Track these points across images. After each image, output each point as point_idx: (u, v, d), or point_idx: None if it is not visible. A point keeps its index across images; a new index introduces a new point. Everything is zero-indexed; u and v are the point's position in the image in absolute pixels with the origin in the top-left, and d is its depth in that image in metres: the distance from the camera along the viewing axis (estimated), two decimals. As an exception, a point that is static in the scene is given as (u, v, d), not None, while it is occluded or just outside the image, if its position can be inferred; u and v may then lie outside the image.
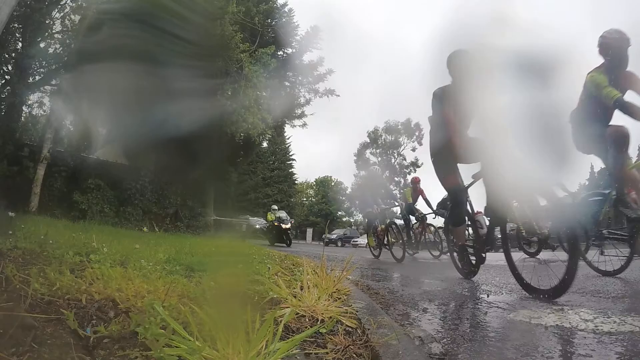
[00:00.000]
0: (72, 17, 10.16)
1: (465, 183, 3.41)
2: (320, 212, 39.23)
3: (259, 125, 12.18)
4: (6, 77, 10.22)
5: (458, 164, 3.42)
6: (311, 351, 1.16)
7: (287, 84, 15.54)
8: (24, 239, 2.28)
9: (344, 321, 1.49)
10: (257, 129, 12.17)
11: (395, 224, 7.53)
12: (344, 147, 58.71)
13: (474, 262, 3.43)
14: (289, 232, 13.34)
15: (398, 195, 11.29)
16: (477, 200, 3.49)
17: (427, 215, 8.61)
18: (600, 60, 3.49)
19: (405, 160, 38.34)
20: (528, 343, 1.44)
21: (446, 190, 3.52)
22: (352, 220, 40.07)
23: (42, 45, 10.12)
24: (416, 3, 59.48)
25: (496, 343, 1.46)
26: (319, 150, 63.74)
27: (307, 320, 1.50)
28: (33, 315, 1.06)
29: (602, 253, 3.69)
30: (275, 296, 1.70)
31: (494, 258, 6.42)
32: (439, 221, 8.50)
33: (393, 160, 38.58)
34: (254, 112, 11.86)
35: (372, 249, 7.85)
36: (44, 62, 10.43)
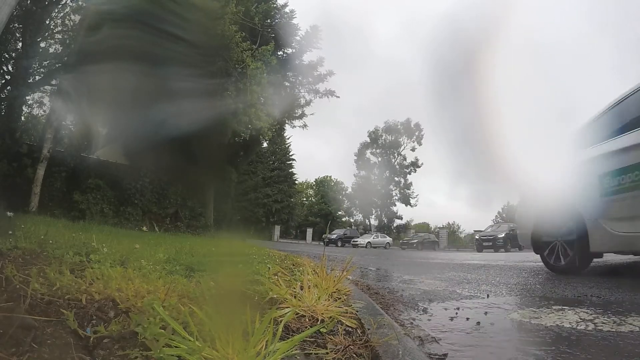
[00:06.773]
0: (72, 17, 10.17)
1: None
2: (320, 212, 39.23)
3: (267, 120, 12.20)
4: (6, 77, 10.22)
5: None
6: (311, 351, 1.16)
7: (287, 84, 15.55)
8: (24, 239, 2.27)
9: (344, 321, 1.49)
10: (265, 124, 12.18)
11: None
12: (344, 147, 58.89)
13: None
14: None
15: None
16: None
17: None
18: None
19: (406, 160, 38.31)
20: (528, 343, 1.44)
21: None
22: (352, 220, 40.13)
23: (42, 45, 10.12)
24: (416, 3, 59.54)
25: (496, 343, 1.46)
26: (319, 150, 63.82)
27: (307, 320, 1.49)
28: (33, 315, 1.06)
29: None
30: (275, 296, 1.70)
31: (494, 258, 6.43)
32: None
33: (393, 160, 38.54)
34: (259, 108, 11.90)
35: None
36: (44, 62, 10.43)
